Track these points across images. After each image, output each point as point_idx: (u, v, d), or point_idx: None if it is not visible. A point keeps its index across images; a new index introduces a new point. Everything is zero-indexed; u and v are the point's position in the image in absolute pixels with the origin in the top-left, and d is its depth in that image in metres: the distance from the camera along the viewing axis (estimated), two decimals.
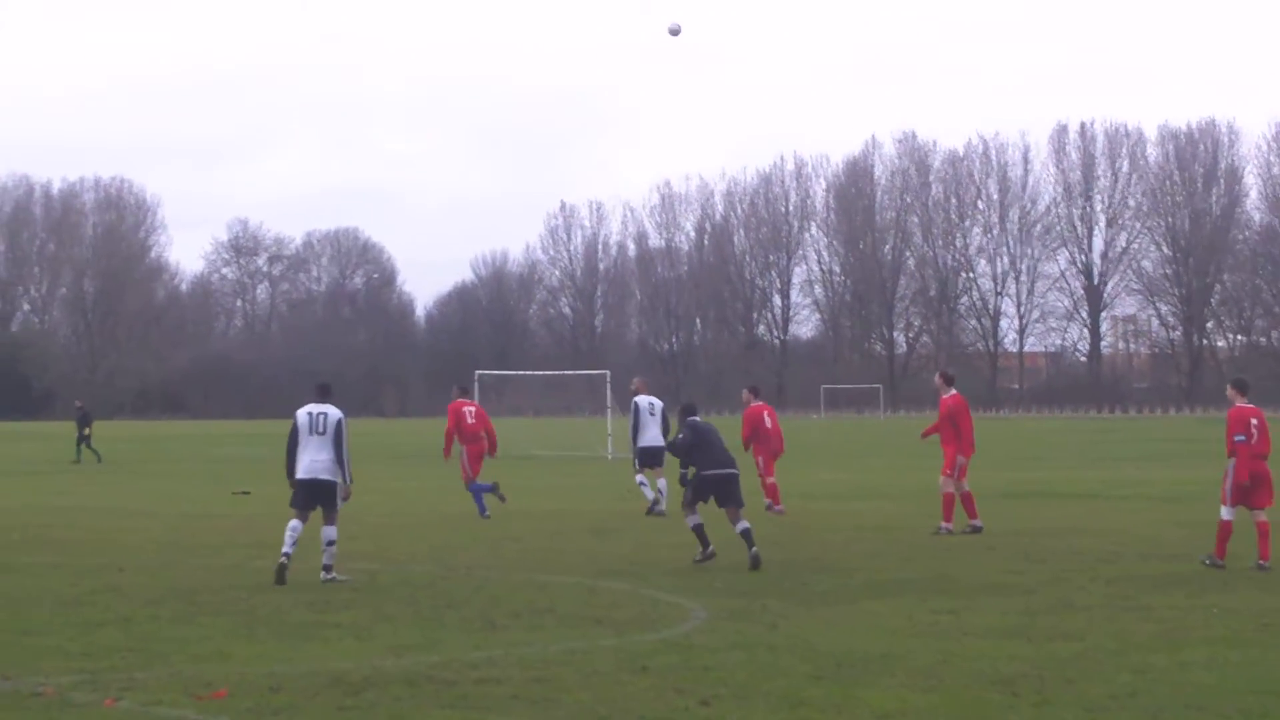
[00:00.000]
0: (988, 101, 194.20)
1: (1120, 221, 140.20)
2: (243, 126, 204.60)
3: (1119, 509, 26.27)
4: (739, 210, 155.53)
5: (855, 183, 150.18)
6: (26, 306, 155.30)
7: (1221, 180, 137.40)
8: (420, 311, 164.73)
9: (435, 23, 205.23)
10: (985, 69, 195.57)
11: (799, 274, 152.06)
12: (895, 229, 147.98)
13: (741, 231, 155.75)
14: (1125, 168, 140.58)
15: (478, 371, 56.83)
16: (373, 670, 11.22)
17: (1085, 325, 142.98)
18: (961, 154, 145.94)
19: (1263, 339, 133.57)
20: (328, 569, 16.41)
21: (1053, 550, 19.34)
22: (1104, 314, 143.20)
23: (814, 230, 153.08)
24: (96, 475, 41.59)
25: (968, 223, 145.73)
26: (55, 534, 22.55)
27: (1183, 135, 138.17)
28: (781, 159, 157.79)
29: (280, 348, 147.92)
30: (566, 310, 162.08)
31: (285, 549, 16.29)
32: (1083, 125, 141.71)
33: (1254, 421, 17.21)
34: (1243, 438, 17.10)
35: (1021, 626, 13.19)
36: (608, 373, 57.72)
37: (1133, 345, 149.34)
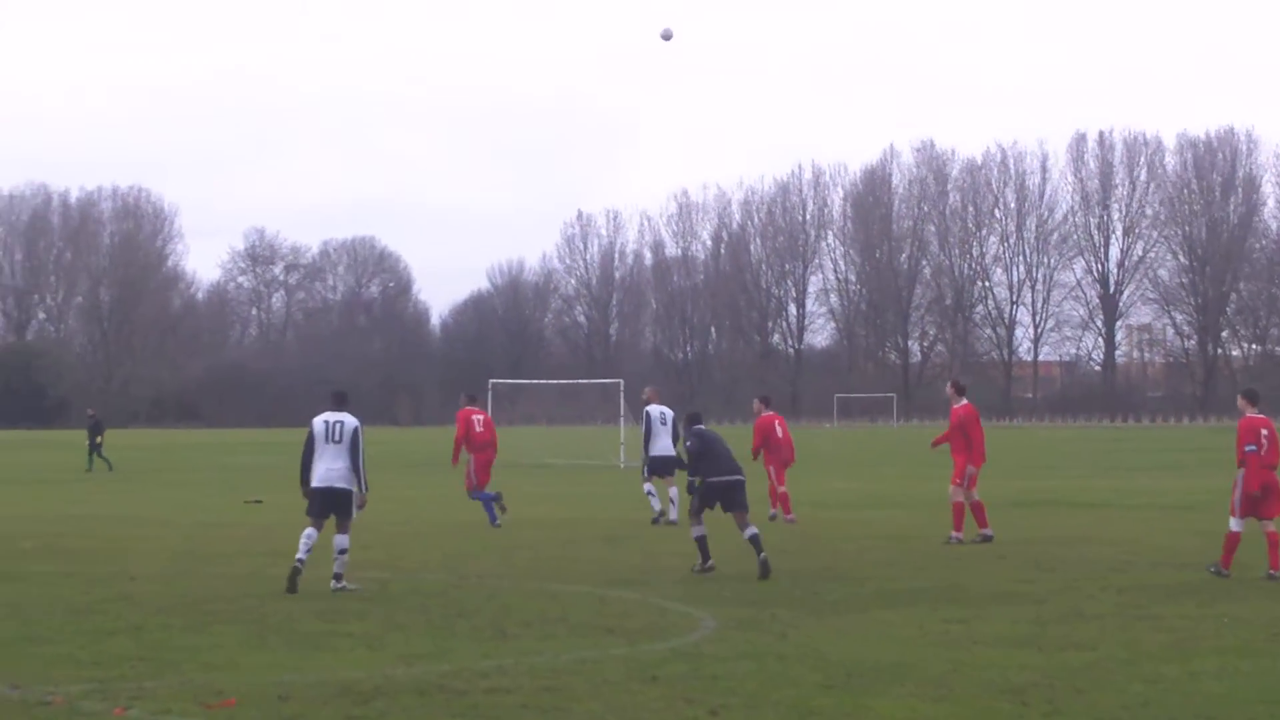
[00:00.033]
0: (1006, 110, 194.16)
1: (1137, 230, 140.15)
2: (261, 136, 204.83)
3: (1130, 518, 26.24)
4: (756, 219, 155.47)
5: (873, 191, 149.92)
6: (42, 315, 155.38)
7: (1239, 189, 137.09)
8: (436, 320, 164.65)
9: (454, 33, 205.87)
10: (1004, 78, 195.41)
11: (815, 283, 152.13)
12: (912, 238, 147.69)
13: (758, 240, 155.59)
14: (1143, 176, 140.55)
15: (492, 380, 56.93)
16: (383, 679, 11.22)
17: (1100, 334, 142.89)
18: (980, 163, 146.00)
19: (1278, 348, 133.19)
20: (338, 578, 16.41)
21: (1064, 559, 19.33)
22: (1119, 323, 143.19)
23: (830, 239, 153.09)
24: (109, 484, 41.66)
25: (984, 231, 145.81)
26: (67, 543, 22.57)
27: (1201, 144, 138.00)
28: (799, 168, 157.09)
29: (296, 356, 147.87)
30: (582, 319, 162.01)
31: (299, 555, 16.30)
32: (1101, 134, 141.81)
33: (1265, 432, 17.19)
34: (1254, 448, 17.09)
35: (1032, 636, 13.18)
36: (621, 381, 57.81)
37: (1147, 354, 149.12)
